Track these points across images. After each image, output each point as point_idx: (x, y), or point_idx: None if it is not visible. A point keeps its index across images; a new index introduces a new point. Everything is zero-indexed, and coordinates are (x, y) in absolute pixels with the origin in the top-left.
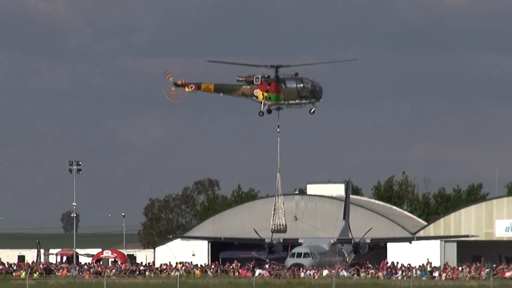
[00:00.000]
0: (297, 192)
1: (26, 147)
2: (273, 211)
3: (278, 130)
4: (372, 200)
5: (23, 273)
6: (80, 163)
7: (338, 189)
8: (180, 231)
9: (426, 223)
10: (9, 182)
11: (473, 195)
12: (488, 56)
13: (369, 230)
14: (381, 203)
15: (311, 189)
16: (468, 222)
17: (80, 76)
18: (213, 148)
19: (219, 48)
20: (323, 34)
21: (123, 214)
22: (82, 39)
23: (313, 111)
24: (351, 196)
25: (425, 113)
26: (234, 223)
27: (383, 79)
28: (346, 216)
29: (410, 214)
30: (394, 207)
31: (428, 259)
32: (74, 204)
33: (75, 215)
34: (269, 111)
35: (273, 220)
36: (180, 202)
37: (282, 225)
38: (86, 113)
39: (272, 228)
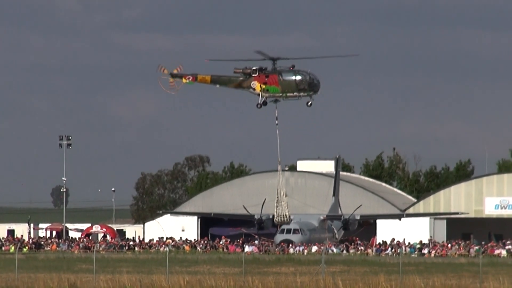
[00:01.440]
0: (287, 169)
1: (16, 122)
2: (276, 203)
3: (276, 122)
4: (362, 177)
5: (12, 248)
6: (70, 137)
7: (328, 166)
8: (170, 207)
9: (416, 200)
10: None
11: (462, 171)
12: (479, 34)
13: (359, 206)
14: (371, 180)
15: (301, 165)
16: (457, 199)
17: (71, 51)
18: (204, 124)
19: (209, 24)
20: (313, 10)
21: (113, 189)
22: (72, 14)
23: (310, 104)
24: (341, 172)
25: (416, 90)
26: (224, 199)
27: (374, 56)
28: (336, 192)
29: (400, 191)
30: (384, 184)
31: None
32: (64, 179)
33: (65, 190)
34: (264, 103)
35: (276, 212)
36: (171, 178)
37: (286, 216)
38: (76, 88)
39: (276, 220)
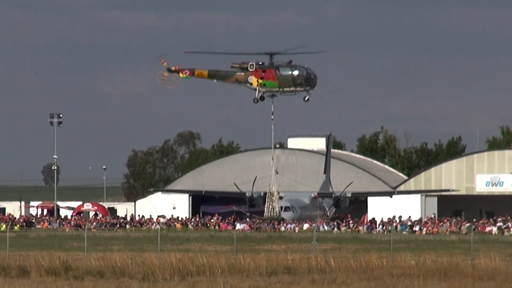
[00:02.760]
0: (278, 146)
1: (6, 100)
2: (267, 199)
3: (272, 117)
4: (353, 154)
5: (4, 226)
6: (61, 115)
7: (319, 143)
8: (161, 184)
9: (407, 178)
10: None
11: (453, 148)
12: (471, 11)
13: (350, 184)
14: (362, 157)
15: (292, 142)
16: (448, 176)
17: (60, 29)
18: (194, 102)
19: (196, 2)
20: None
21: (104, 167)
22: None
23: (308, 99)
24: (332, 150)
25: (406, 68)
26: (215, 176)
27: (365, 33)
28: (327, 170)
29: (391, 169)
30: (375, 161)
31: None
32: (55, 156)
33: (56, 167)
34: (262, 98)
35: (267, 207)
36: (161, 155)
37: (276, 213)
38: (66, 66)
39: (266, 215)
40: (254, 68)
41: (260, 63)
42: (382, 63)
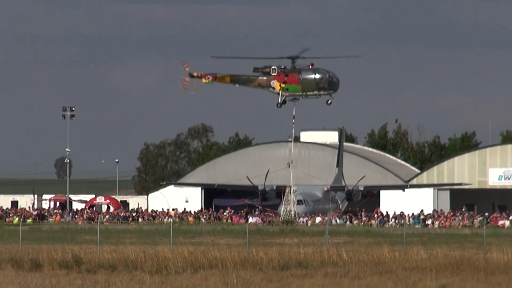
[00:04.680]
0: (291, 139)
1: (19, 93)
2: (283, 201)
3: (293, 121)
4: (366, 148)
5: (16, 219)
6: (73, 108)
7: (332, 137)
8: (173, 178)
9: (419, 171)
10: (2, 127)
11: (467, 143)
12: (483, 3)
13: (363, 177)
14: (374, 150)
15: (305, 136)
16: (461, 170)
17: (72, 22)
18: (207, 95)
19: None
20: None
21: (116, 160)
22: None
23: (330, 102)
24: (344, 143)
25: (419, 61)
26: (228, 170)
27: (377, 26)
28: (339, 163)
29: (403, 162)
30: (387, 155)
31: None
32: (68, 149)
33: (68, 160)
34: (284, 102)
35: (283, 210)
36: (174, 148)
37: (292, 217)
38: (79, 59)
39: (282, 218)
40: (277, 72)
41: (282, 67)
42: (395, 57)
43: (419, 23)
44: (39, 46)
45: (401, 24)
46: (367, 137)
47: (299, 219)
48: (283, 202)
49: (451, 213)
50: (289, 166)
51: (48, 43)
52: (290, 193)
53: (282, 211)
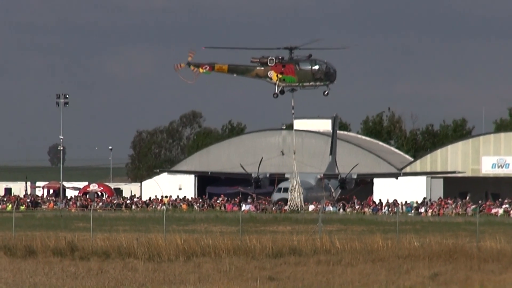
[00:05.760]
0: (284, 127)
1: (13, 81)
2: (289, 192)
3: (293, 112)
4: (359, 136)
5: (10, 206)
6: (67, 96)
7: (325, 124)
8: (167, 165)
9: (413, 159)
10: None
11: (459, 131)
12: None
13: (356, 165)
14: (368, 138)
15: (298, 124)
16: (454, 158)
17: (66, 10)
18: (202, 83)
19: None
20: None
21: (110, 147)
22: None
23: (327, 93)
24: (338, 131)
25: (412, 50)
26: (221, 157)
27: (371, 15)
28: (333, 151)
29: (397, 150)
30: (381, 143)
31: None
32: (61, 137)
33: (62, 148)
34: (281, 92)
35: (290, 200)
36: (166, 136)
37: (298, 208)
38: (73, 47)
39: (288, 208)
40: (274, 63)
41: (280, 57)
42: (388, 45)
43: (414, 13)
44: (33, 34)
45: (396, 14)
46: (362, 124)
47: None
48: (289, 193)
49: (442, 200)
50: (282, 154)
51: (42, 30)
52: (295, 181)
53: (288, 201)
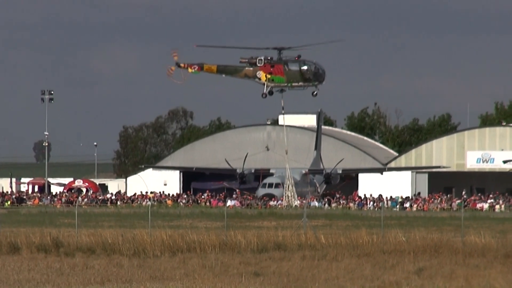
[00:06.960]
0: (269, 122)
1: None
2: (284, 189)
3: (282, 112)
4: (344, 131)
5: None
6: (52, 92)
7: (310, 120)
8: (152, 161)
9: (397, 154)
10: None
11: (444, 126)
12: None
13: (341, 160)
14: (353, 134)
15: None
16: (439, 153)
17: (51, 6)
18: (190, 81)
19: None
20: None
21: (95, 143)
22: None
23: (316, 94)
24: (323, 126)
25: (398, 44)
26: (206, 153)
27: (357, 10)
28: (317, 146)
29: (382, 145)
30: (366, 138)
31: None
32: (46, 133)
33: (47, 144)
34: (270, 93)
35: (285, 197)
36: (152, 132)
37: (292, 203)
38: (58, 43)
39: (284, 205)
40: (263, 63)
41: (269, 58)
42: (373, 40)
43: (399, 8)
44: (17, 30)
45: (381, 9)
46: (346, 119)
47: (277, 202)
48: (284, 189)
49: (431, 197)
50: (267, 149)
51: (26, 27)
52: (289, 180)
53: (284, 198)
